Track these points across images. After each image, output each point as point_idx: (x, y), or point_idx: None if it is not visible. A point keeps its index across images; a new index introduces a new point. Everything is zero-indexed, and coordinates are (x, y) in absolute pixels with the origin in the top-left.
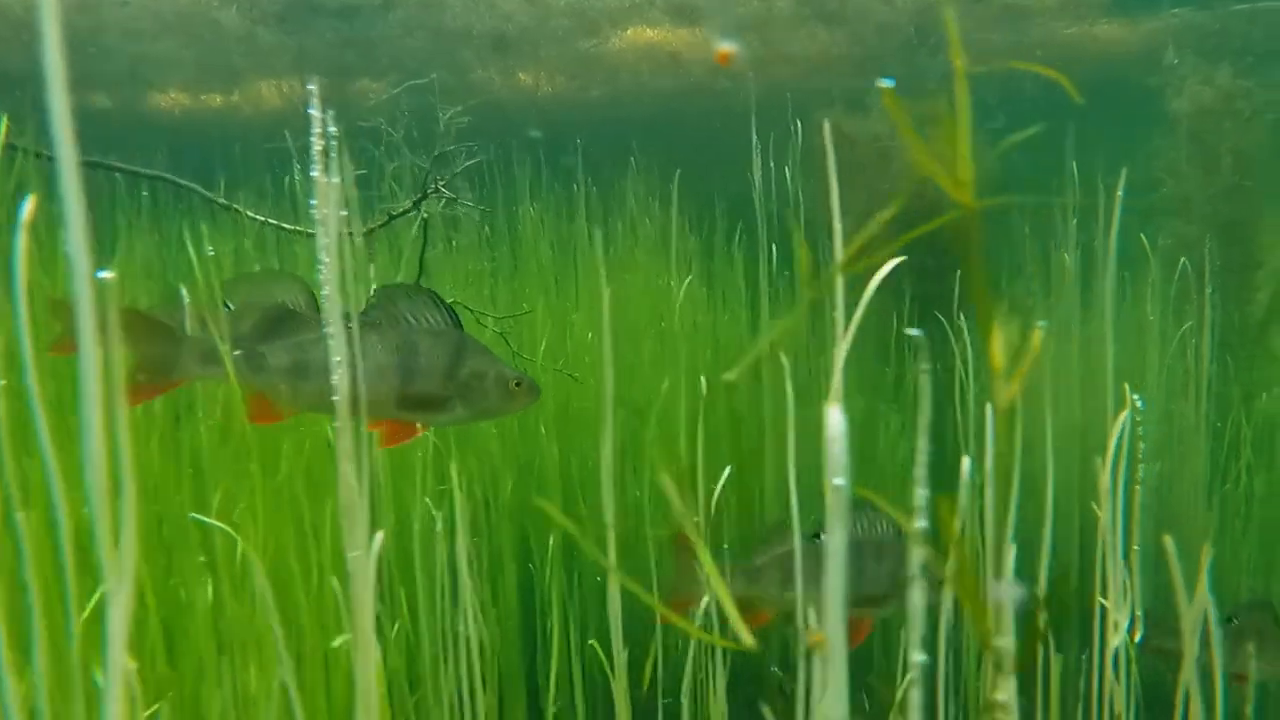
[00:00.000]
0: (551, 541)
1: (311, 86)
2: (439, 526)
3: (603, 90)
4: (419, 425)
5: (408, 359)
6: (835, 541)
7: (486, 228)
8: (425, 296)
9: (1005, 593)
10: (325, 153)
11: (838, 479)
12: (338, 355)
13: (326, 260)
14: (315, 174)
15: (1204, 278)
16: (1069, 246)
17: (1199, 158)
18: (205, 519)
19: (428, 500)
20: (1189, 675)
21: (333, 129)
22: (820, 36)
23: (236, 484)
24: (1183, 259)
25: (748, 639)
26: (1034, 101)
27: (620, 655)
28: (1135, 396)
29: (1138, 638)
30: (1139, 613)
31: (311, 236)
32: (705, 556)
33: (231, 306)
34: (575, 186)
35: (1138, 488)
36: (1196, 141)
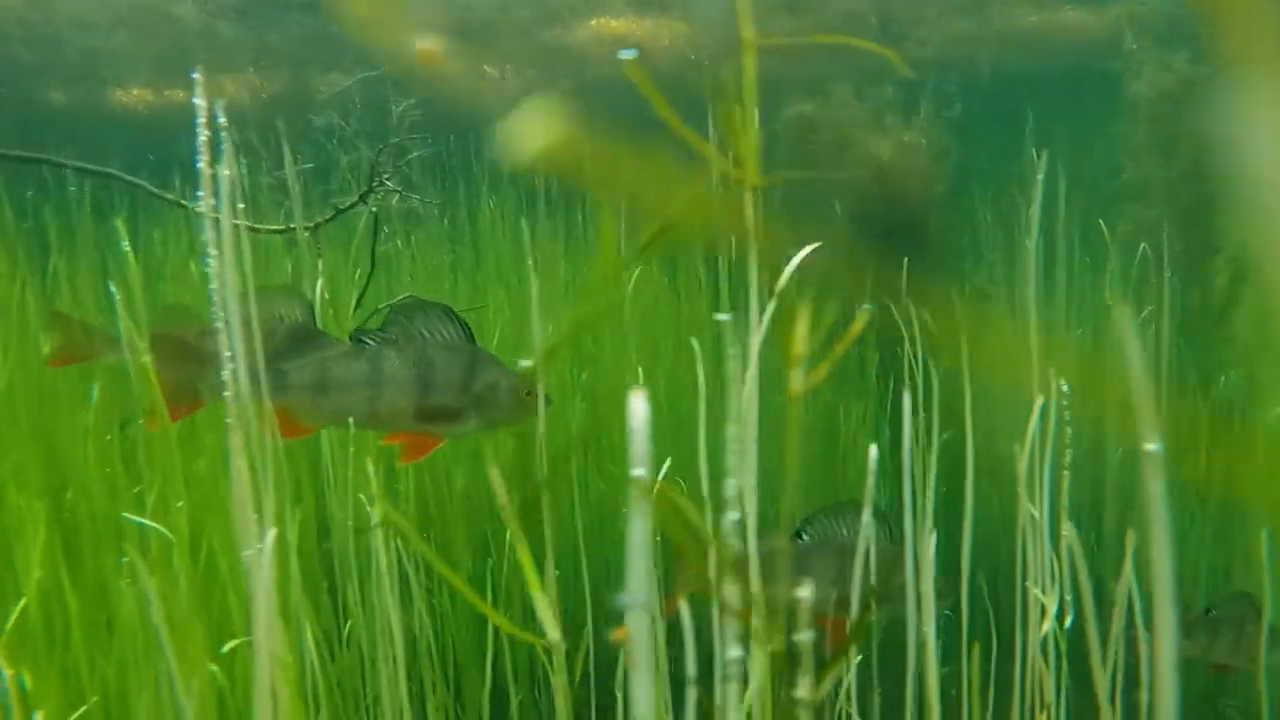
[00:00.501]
0: (508, 538)
1: (195, 74)
2: (374, 522)
3: (568, 82)
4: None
5: (425, 373)
6: (636, 535)
7: (446, 221)
8: (439, 311)
9: (804, 589)
10: (211, 143)
11: (638, 469)
12: (228, 350)
13: (214, 254)
14: (200, 166)
15: (1163, 262)
16: (1029, 232)
17: (1159, 143)
18: (138, 519)
19: (361, 496)
20: (1115, 662)
21: (220, 119)
22: (785, 24)
23: (171, 484)
24: (1143, 244)
25: (555, 635)
26: (993, 91)
27: (560, 649)
28: (1061, 382)
29: (1067, 623)
30: (1068, 598)
31: (277, 232)
32: (525, 555)
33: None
34: (535, 180)
35: (1064, 472)
36: (1156, 126)
